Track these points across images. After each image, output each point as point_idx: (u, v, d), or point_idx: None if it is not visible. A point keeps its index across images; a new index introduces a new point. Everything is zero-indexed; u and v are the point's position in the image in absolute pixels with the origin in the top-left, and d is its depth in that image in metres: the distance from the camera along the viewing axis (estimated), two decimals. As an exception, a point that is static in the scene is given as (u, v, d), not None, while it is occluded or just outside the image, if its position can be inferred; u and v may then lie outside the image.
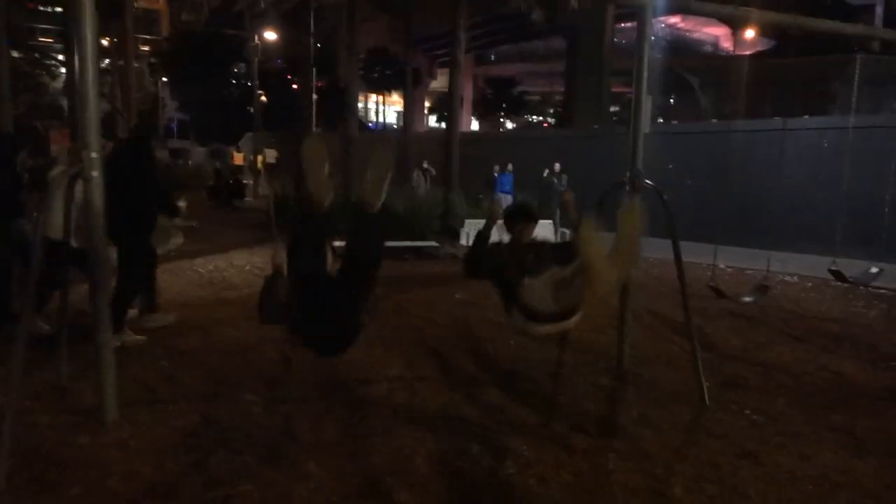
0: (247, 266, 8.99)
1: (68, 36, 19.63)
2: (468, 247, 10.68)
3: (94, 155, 3.45)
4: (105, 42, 30.96)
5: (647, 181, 4.72)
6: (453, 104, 11.91)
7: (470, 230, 10.77)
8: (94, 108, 3.47)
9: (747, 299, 7.06)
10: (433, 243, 10.68)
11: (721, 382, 4.70)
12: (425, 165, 17.70)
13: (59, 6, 17.77)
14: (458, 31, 11.31)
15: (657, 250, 11.36)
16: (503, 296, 3.81)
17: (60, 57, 21.44)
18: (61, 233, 4.13)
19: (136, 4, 38.44)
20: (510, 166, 16.05)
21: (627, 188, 4.67)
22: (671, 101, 31.18)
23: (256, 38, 20.17)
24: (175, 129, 41.77)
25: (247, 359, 4.98)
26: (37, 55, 14.76)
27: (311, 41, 14.34)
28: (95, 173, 3.46)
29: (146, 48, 38.84)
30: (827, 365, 5.28)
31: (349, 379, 4.54)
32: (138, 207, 5.04)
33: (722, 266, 9.58)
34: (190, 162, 30.23)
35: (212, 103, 30.92)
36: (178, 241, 11.51)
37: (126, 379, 4.27)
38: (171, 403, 4.01)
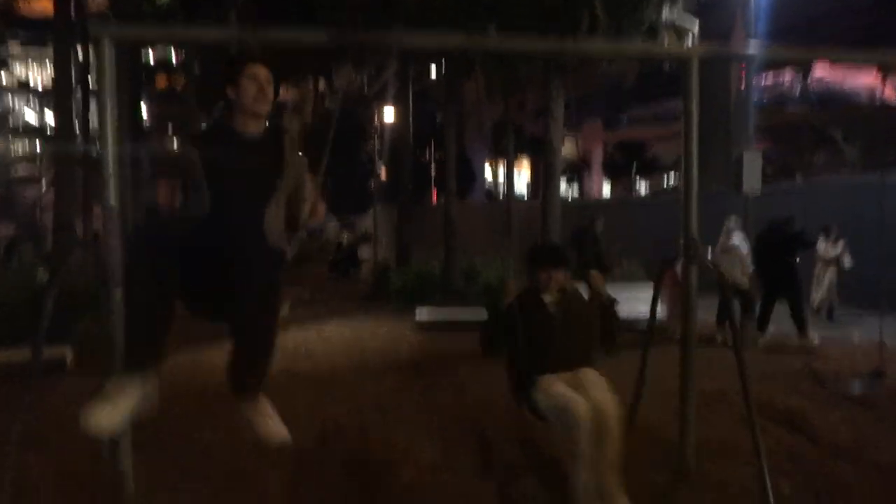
0: (333, 338, 9.12)
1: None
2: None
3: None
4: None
5: (706, 258, 4.17)
6: (549, 174, 11.63)
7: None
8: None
9: (857, 390, 5.93)
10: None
11: (810, 485, 3.92)
12: None
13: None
14: (547, 115, 11.32)
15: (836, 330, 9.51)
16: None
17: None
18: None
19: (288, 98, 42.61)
20: None
21: (680, 262, 4.14)
22: (804, 156, 28.62)
23: (376, 117, 21.37)
24: (315, 204, 44.83)
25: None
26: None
27: (410, 122, 15.17)
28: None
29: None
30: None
31: (374, 460, 4.33)
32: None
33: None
34: (324, 234, 32.07)
35: (344, 179, 32.92)
36: (283, 312, 12.14)
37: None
38: None
